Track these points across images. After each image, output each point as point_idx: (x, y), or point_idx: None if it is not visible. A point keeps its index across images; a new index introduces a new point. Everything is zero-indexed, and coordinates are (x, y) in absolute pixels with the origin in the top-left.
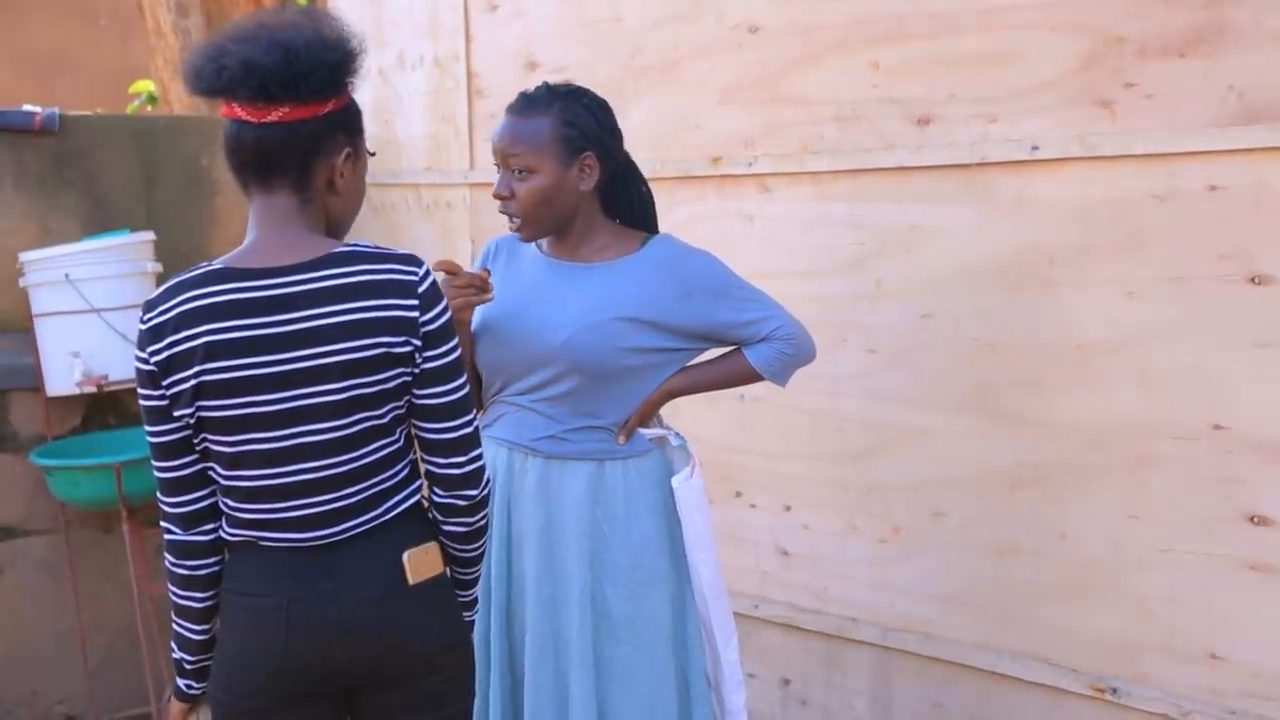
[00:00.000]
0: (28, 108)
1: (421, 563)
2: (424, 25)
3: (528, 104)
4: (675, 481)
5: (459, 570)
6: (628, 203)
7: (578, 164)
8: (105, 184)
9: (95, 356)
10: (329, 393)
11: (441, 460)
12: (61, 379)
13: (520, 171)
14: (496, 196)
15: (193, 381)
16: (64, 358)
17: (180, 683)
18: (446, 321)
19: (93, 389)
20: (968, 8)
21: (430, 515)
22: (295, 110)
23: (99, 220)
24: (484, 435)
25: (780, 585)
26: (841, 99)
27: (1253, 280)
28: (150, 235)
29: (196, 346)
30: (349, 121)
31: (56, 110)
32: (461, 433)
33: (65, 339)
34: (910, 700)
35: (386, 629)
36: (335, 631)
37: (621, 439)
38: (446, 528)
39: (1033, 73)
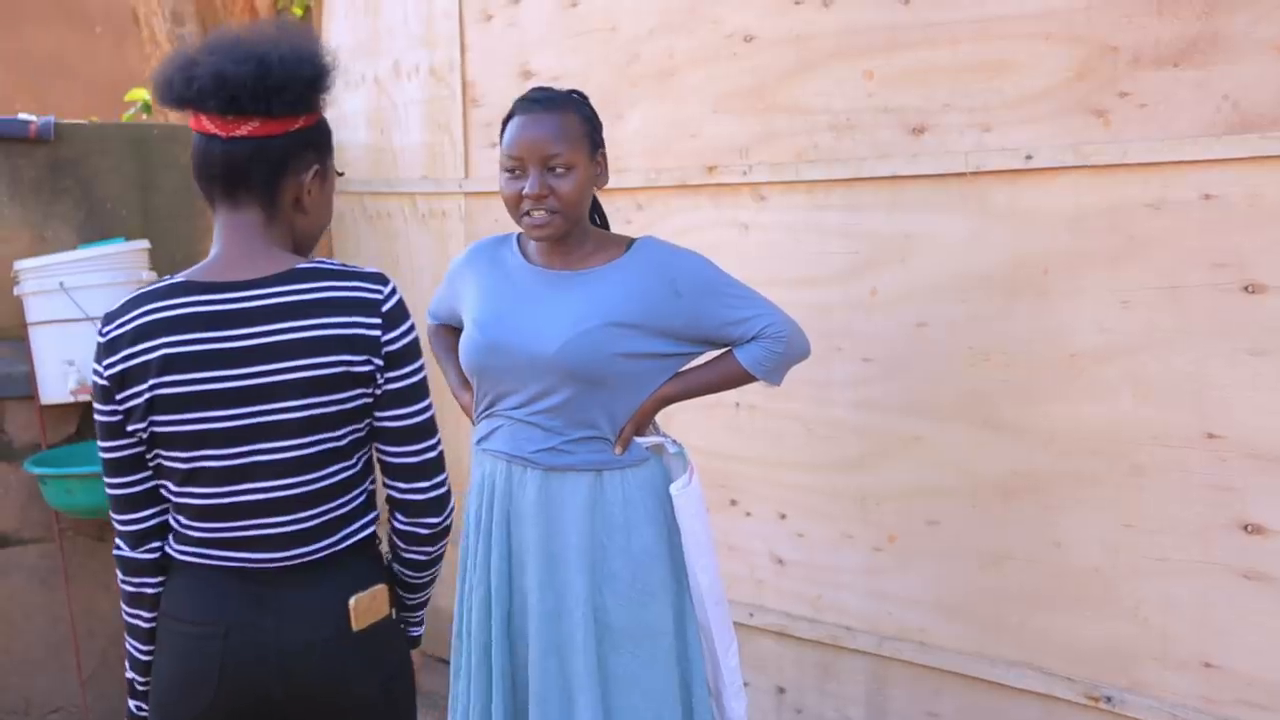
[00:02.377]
0: (22, 116)
1: (368, 609)
2: (419, 35)
3: (549, 101)
4: (673, 489)
5: (408, 596)
6: (596, 212)
7: (597, 159)
8: (100, 192)
9: (90, 365)
10: (286, 410)
11: (404, 485)
12: (56, 387)
13: (561, 169)
14: (529, 197)
15: (148, 395)
16: (58, 366)
17: (131, 704)
18: (411, 342)
19: (87, 398)
20: (962, 17)
21: (391, 542)
22: (265, 125)
23: (94, 228)
24: (479, 449)
25: (775, 593)
26: (836, 108)
27: (1246, 289)
28: (145, 244)
29: (152, 360)
30: (319, 139)
31: (52, 119)
32: (425, 457)
33: (60, 347)
34: (905, 709)
35: (326, 674)
36: (274, 671)
37: (618, 449)
38: (406, 555)
39: (1027, 82)
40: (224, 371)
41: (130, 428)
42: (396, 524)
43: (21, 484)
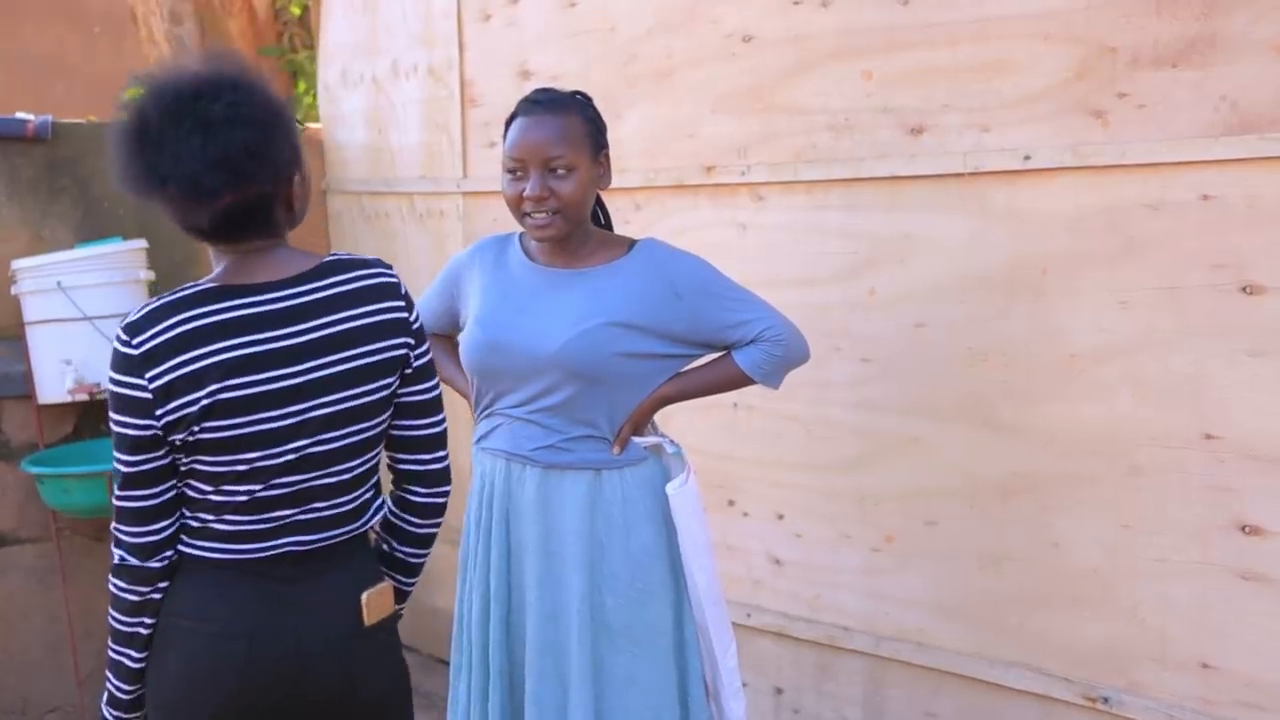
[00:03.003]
0: (20, 115)
1: (378, 604)
2: (418, 34)
3: (552, 103)
4: (669, 488)
5: (407, 581)
6: (599, 211)
7: (600, 161)
8: (98, 191)
9: (87, 364)
10: (342, 401)
11: (426, 456)
12: (53, 387)
13: (562, 170)
14: (530, 199)
15: (205, 402)
16: (56, 365)
17: (111, 713)
18: (421, 321)
19: (84, 397)
20: (961, 18)
21: (399, 522)
22: (251, 188)
23: (91, 228)
24: (479, 448)
25: (773, 594)
26: (835, 108)
27: (1245, 290)
28: (143, 243)
29: (210, 366)
30: (297, 156)
31: (49, 118)
32: (442, 429)
33: (57, 347)
34: (903, 709)
35: (343, 672)
36: (294, 670)
37: (616, 449)
38: (419, 530)
39: (1026, 83)
40: (289, 369)
41: (173, 437)
42: (415, 498)
43: (19, 483)
